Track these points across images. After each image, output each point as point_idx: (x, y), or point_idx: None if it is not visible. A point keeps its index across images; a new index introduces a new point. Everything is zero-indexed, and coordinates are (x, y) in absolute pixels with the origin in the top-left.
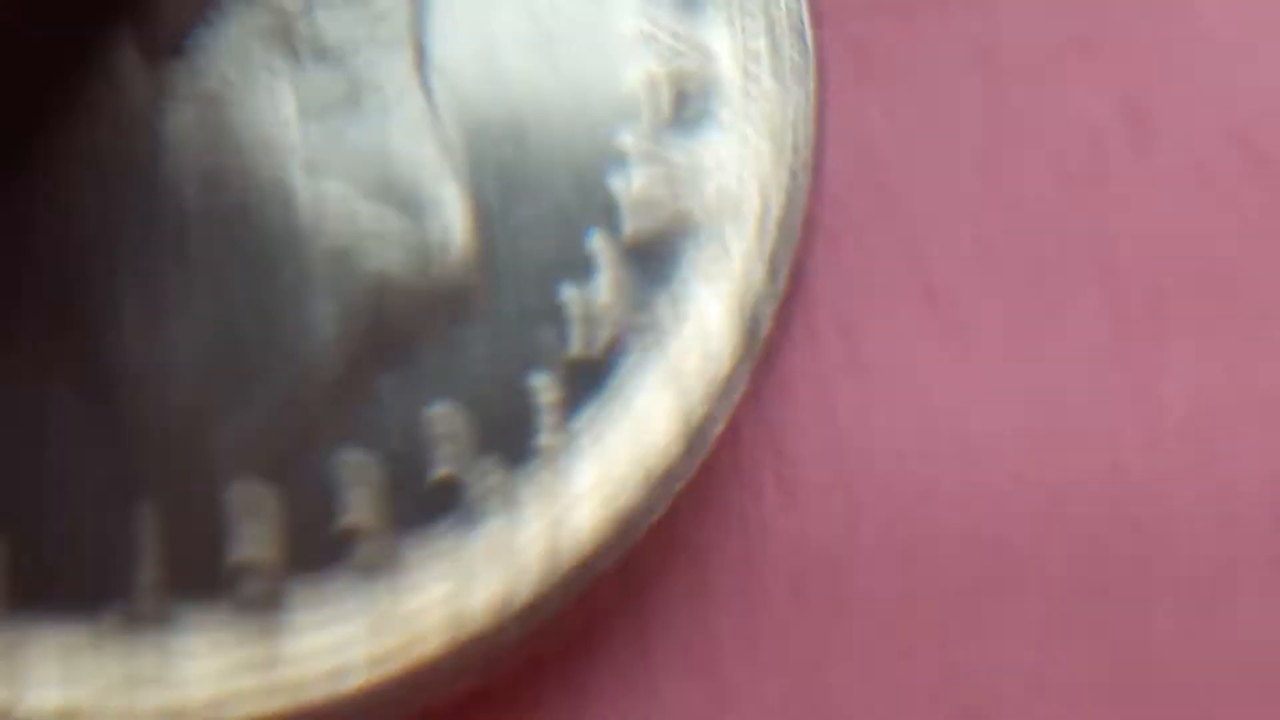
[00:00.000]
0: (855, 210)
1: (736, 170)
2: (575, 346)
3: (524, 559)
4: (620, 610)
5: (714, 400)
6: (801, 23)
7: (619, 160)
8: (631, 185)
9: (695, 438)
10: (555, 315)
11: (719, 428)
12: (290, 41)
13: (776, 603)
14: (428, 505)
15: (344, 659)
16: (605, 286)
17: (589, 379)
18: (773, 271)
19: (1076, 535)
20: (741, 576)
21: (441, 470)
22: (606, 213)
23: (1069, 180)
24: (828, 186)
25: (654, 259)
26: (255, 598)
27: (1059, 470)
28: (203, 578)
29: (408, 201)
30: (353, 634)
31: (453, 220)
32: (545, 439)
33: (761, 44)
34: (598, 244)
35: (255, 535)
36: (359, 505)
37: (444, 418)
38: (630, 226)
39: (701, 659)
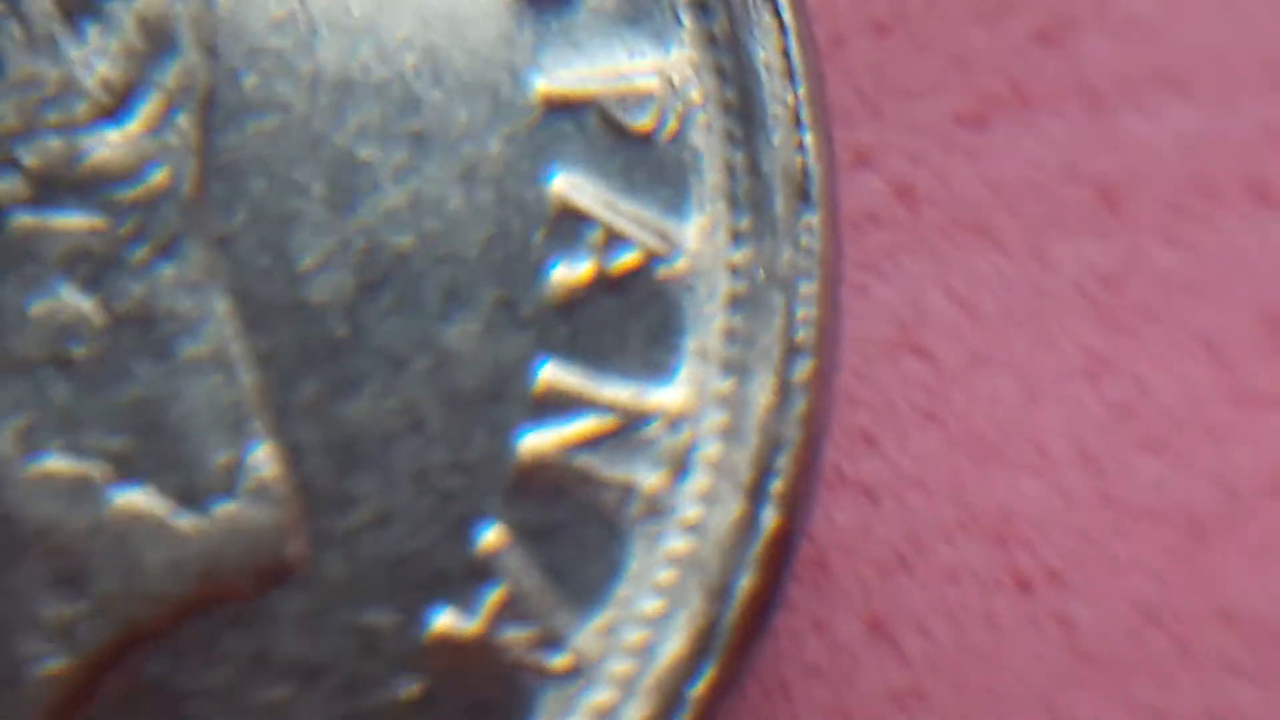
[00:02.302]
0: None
1: (704, 422)
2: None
3: None
4: None
5: None
6: (807, 178)
7: (527, 406)
8: (545, 448)
9: None
10: (418, 660)
11: None
12: (19, 245)
13: None
14: None
15: None
16: (497, 611)
17: None
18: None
19: None
20: None
21: None
22: (505, 492)
23: None
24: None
25: (573, 560)
26: None
27: None
28: None
29: (192, 482)
30: None
31: (257, 510)
32: None
33: (746, 221)
34: (492, 540)
35: None
36: None
37: None
38: (542, 513)
39: None
